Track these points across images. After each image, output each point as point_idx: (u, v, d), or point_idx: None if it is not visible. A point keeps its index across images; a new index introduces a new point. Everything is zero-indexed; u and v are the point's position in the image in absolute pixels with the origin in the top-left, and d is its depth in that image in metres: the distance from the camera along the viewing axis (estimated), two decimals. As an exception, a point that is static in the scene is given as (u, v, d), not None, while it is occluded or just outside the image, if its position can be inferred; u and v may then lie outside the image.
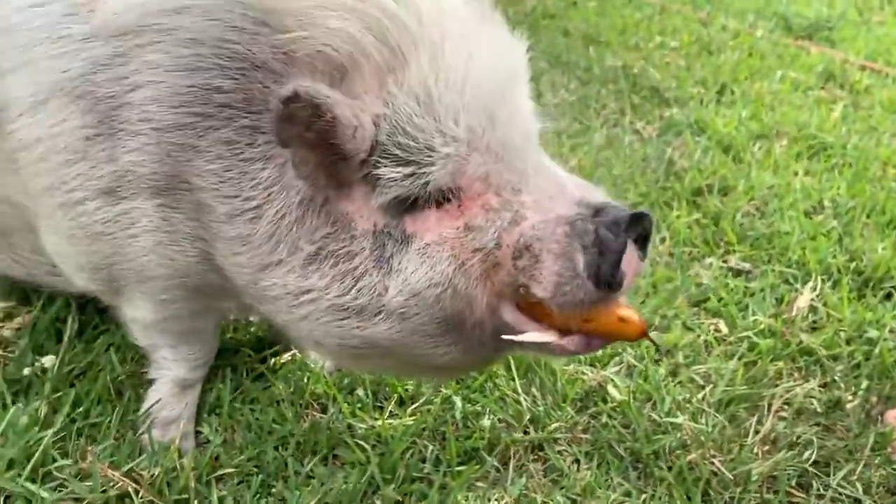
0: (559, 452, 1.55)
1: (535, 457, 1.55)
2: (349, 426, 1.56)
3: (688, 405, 1.66)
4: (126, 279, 1.30)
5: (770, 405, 1.69)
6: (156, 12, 1.10)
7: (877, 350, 1.85)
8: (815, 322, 1.98)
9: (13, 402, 1.49)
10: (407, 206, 1.08)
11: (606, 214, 1.04)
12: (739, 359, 1.82)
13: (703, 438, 1.57)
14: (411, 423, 1.57)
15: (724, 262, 2.20)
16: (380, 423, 1.56)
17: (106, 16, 1.11)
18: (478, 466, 1.49)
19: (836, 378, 1.79)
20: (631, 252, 1.04)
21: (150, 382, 1.50)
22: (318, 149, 1.04)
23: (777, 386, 1.75)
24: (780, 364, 1.82)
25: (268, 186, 1.12)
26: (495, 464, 1.51)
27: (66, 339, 1.64)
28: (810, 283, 2.08)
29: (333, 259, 1.10)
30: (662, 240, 2.28)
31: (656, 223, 2.33)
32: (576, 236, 1.03)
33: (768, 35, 4.26)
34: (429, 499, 1.40)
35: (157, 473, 1.38)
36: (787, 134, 3.01)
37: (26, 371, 1.55)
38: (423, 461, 1.50)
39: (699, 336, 1.88)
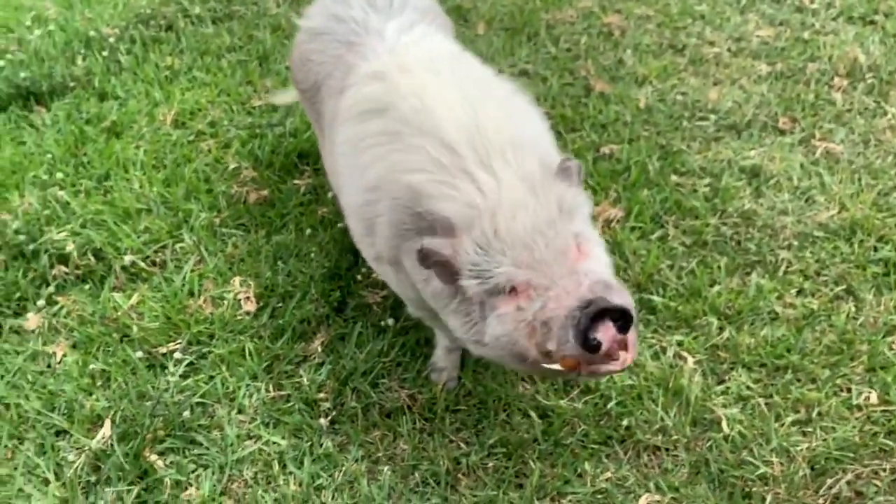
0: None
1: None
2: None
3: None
4: (404, 295, 2.37)
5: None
6: (376, 199, 2.10)
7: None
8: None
9: (368, 340, 2.73)
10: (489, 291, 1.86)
11: (592, 306, 1.69)
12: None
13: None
14: (580, 406, 2.44)
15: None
16: (563, 402, 2.46)
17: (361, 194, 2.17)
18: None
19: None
20: (609, 327, 1.68)
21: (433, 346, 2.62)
22: (440, 266, 1.91)
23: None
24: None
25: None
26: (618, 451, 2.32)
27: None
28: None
29: (463, 316, 1.96)
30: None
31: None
32: (571, 318, 1.71)
33: None
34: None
35: (425, 399, 2.50)
36: None
37: (382, 323, 2.78)
38: (573, 433, 2.38)
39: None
